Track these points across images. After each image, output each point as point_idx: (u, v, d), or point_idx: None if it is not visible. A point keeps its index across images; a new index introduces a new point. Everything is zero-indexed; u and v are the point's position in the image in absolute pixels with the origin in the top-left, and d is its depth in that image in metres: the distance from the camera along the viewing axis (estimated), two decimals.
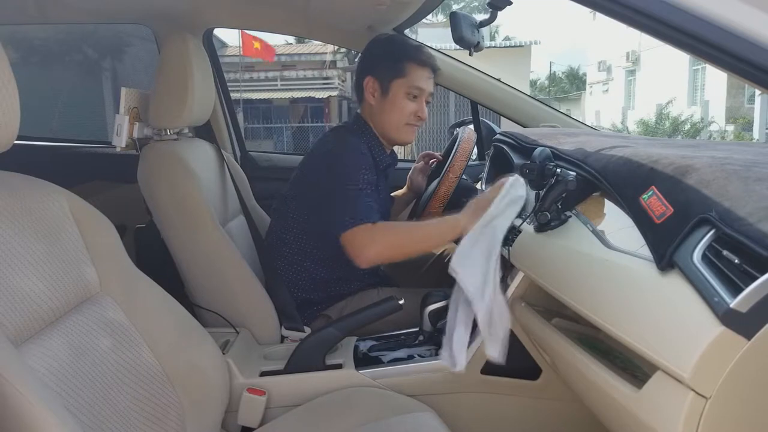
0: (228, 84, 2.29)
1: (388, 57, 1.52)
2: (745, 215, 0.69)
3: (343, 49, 11.47)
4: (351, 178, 1.38)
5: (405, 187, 1.88)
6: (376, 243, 1.30)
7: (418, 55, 1.52)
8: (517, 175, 1.23)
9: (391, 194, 1.88)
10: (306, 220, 1.51)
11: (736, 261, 0.67)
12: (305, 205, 1.50)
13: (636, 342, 0.76)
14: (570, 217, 1.07)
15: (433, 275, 1.86)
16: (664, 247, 0.76)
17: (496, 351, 1.09)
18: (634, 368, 0.87)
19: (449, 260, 1.85)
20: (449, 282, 1.76)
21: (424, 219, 1.51)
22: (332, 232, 1.34)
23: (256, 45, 8.56)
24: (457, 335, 1.15)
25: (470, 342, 1.28)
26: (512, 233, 1.25)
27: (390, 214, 1.71)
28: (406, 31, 2.00)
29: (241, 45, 8.64)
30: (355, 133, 1.53)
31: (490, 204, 1.20)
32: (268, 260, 1.55)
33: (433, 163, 1.82)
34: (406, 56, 1.50)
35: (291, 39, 13.41)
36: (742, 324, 0.64)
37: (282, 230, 1.55)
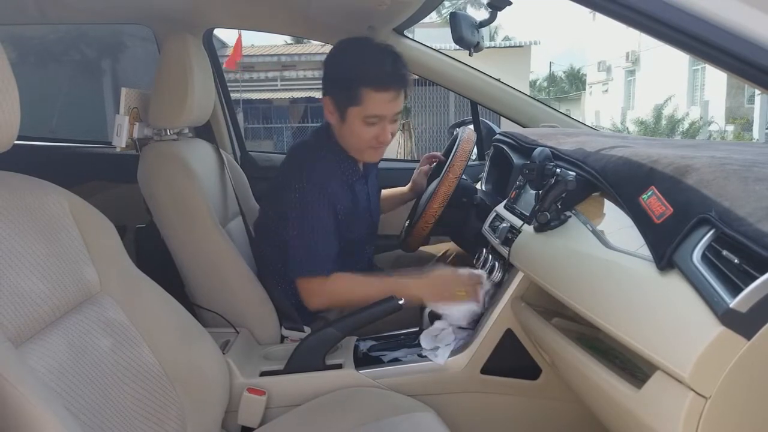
0: (228, 84, 2.29)
1: (341, 79, 1.38)
2: (745, 215, 0.69)
3: None
4: (312, 218, 1.37)
5: (407, 187, 1.87)
6: (324, 296, 1.39)
7: (375, 79, 1.33)
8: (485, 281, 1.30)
9: (389, 190, 1.87)
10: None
11: (736, 261, 0.67)
12: (281, 228, 1.46)
13: (636, 342, 0.76)
14: (570, 217, 1.08)
15: None
16: (664, 247, 0.76)
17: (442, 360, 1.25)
18: (633, 368, 0.87)
19: (451, 260, 1.86)
20: None
21: (424, 219, 1.51)
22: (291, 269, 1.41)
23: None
24: (445, 332, 1.27)
25: (470, 342, 1.28)
26: (512, 233, 1.25)
27: (378, 213, 1.70)
28: (406, 31, 2.00)
29: (231, 54, 8.64)
30: (322, 150, 1.47)
31: (451, 288, 1.30)
32: (262, 261, 1.55)
33: (435, 163, 1.81)
34: (361, 81, 1.33)
35: (291, 39, 13.41)
36: (741, 324, 0.64)
37: (268, 239, 1.54)
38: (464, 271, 1.33)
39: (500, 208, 1.41)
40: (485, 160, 1.86)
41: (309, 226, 1.38)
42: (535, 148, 1.18)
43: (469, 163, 1.54)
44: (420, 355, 1.32)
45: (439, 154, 1.82)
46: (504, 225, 1.31)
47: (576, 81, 25.15)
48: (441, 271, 1.38)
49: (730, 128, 13.31)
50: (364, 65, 1.35)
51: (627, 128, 14.50)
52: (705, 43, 0.73)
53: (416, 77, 1.88)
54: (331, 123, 1.45)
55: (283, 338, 1.47)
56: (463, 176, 1.54)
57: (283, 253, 1.45)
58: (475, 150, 1.73)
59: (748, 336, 0.64)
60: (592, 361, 0.90)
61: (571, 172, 1.04)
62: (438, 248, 1.90)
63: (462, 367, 1.26)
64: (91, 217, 1.03)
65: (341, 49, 1.44)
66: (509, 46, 15.52)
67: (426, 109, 12.02)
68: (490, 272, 1.32)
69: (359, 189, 1.54)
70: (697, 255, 0.72)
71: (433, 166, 1.82)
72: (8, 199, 0.89)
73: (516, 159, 1.50)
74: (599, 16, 0.81)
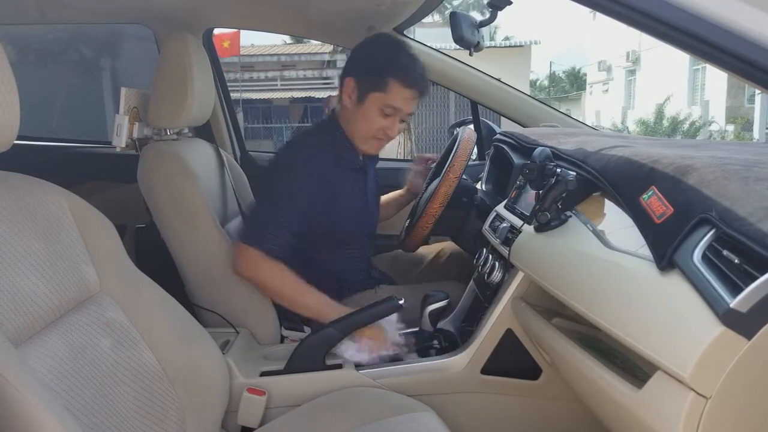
0: (228, 84, 2.29)
1: (373, 66, 1.43)
2: (746, 215, 0.69)
3: (342, 49, 11.48)
4: (284, 196, 1.38)
5: (404, 189, 1.87)
6: (253, 271, 1.37)
7: (406, 75, 1.41)
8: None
9: (387, 195, 1.87)
10: None
11: (737, 261, 0.67)
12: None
13: (636, 342, 0.76)
14: (570, 217, 1.07)
15: (430, 275, 1.86)
16: (664, 247, 0.76)
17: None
18: (634, 368, 0.87)
19: (447, 258, 1.86)
20: (448, 279, 1.77)
21: (424, 219, 1.51)
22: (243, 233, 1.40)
23: (225, 44, 8.52)
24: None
25: (469, 342, 1.28)
26: (512, 233, 1.25)
27: (377, 211, 1.69)
28: (405, 31, 2.00)
29: (228, 47, 8.60)
30: (324, 135, 1.50)
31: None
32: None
33: (431, 164, 1.81)
34: (392, 72, 1.40)
35: (290, 39, 13.41)
36: (742, 324, 0.64)
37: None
38: (391, 332, 1.33)
39: (500, 208, 1.41)
40: (485, 160, 1.86)
41: (275, 203, 1.38)
42: (536, 148, 1.18)
43: (470, 163, 1.54)
44: (420, 355, 1.32)
45: (432, 155, 1.82)
46: (504, 225, 1.31)
47: (576, 81, 25.16)
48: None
49: (731, 128, 13.31)
50: (400, 59, 1.42)
51: (627, 128, 14.50)
52: (705, 42, 0.73)
53: None
54: (345, 105, 1.47)
55: (283, 338, 1.47)
56: (464, 176, 1.53)
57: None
58: (476, 150, 1.73)
59: (749, 336, 0.64)
60: (592, 361, 0.90)
61: (571, 172, 1.04)
62: (435, 247, 1.91)
63: (462, 367, 1.26)
64: (91, 217, 1.03)
65: (378, 39, 1.52)
66: (509, 46, 15.52)
67: (426, 109, 12.01)
68: (490, 272, 1.32)
69: (356, 180, 1.54)
70: (697, 255, 0.71)
71: (429, 165, 1.81)
72: (8, 199, 0.89)
73: (516, 159, 1.50)
74: (599, 15, 0.81)
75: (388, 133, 1.46)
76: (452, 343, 1.36)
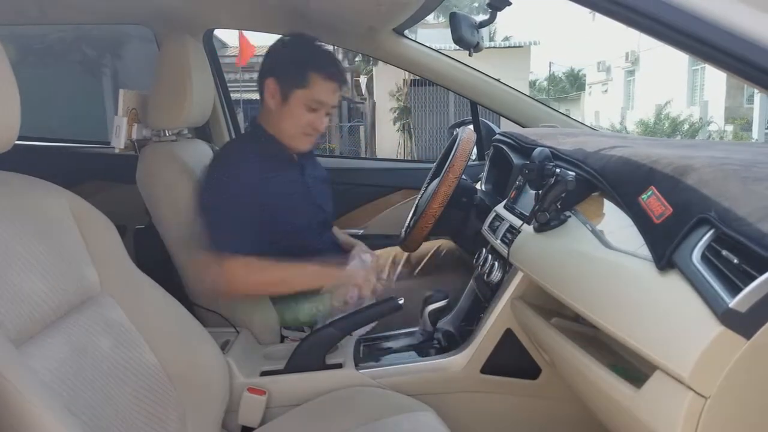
0: (228, 84, 2.29)
1: (292, 63, 1.44)
2: (745, 215, 0.69)
3: (344, 50, 11.47)
4: (223, 200, 1.37)
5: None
6: (222, 277, 1.33)
7: (326, 67, 1.43)
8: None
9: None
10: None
11: (736, 261, 0.67)
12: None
13: (635, 341, 0.76)
14: (569, 217, 1.08)
15: (429, 274, 1.86)
16: (664, 247, 0.76)
17: None
18: (633, 368, 0.87)
19: (444, 254, 1.86)
20: (445, 281, 1.77)
21: (424, 219, 1.51)
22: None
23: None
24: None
25: (469, 342, 1.28)
26: (512, 233, 1.25)
27: (328, 205, 1.66)
28: (406, 31, 2.00)
29: (240, 52, 8.59)
30: (246, 143, 1.50)
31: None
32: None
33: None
34: (312, 66, 1.42)
35: None
36: (741, 324, 0.64)
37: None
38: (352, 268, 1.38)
39: (500, 208, 1.41)
40: (485, 160, 1.86)
41: (219, 206, 1.37)
42: (535, 148, 1.18)
43: (469, 163, 1.54)
44: (420, 355, 1.32)
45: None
46: (504, 225, 1.31)
47: (575, 81, 25.16)
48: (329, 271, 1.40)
49: (730, 128, 13.32)
50: (317, 54, 1.46)
51: (625, 128, 14.51)
52: (704, 43, 0.73)
53: (416, 77, 1.88)
54: (269, 107, 1.47)
55: (283, 338, 1.47)
56: (463, 176, 1.54)
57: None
58: (475, 150, 1.73)
59: (748, 336, 0.64)
60: (591, 361, 0.90)
61: (570, 172, 1.04)
62: (432, 245, 1.91)
63: (462, 367, 1.26)
64: (91, 217, 1.03)
65: (293, 38, 1.51)
66: (509, 46, 15.52)
67: (426, 109, 12.01)
68: (490, 272, 1.32)
69: (293, 178, 1.53)
70: (696, 255, 0.72)
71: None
72: (8, 199, 0.89)
73: (516, 159, 1.50)
74: (599, 15, 0.81)
75: (316, 126, 1.47)
76: (452, 343, 1.36)
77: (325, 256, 1.51)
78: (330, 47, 1.48)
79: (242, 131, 2.42)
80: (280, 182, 1.47)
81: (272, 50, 1.50)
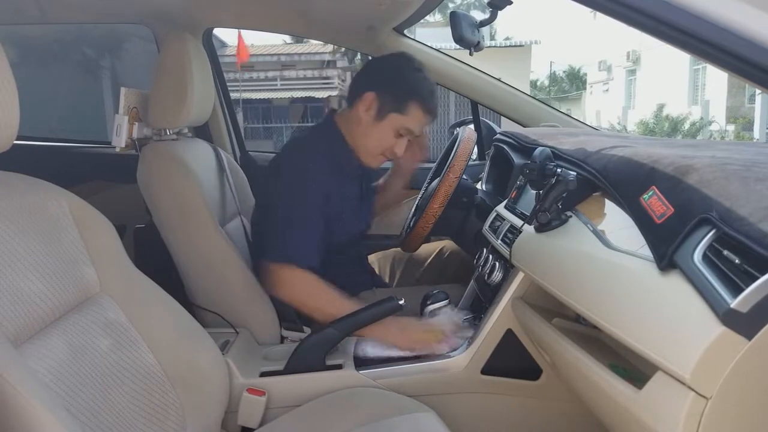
0: (228, 84, 2.29)
1: (397, 86, 1.43)
2: (746, 215, 0.69)
3: (342, 49, 11.47)
4: (299, 207, 1.37)
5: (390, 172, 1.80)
6: (290, 290, 1.37)
7: (427, 101, 1.44)
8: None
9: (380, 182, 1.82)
10: None
11: (737, 261, 0.67)
12: (268, 215, 1.46)
13: (636, 342, 0.76)
14: (570, 217, 1.07)
15: (430, 275, 1.86)
16: (665, 247, 0.76)
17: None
18: (634, 368, 0.87)
19: (447, 257, 1.86)
20: (446, 281, 1.77)
21: (424, 219, 1.51)
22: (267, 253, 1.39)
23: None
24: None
25: (471, 342, 1.28)
26: (513, 233, 1.25)
27: (370, 215, 1.68)
28: (406, 30, 2.00)
29: (237, 54, 8.62)
30: (322, 141, 1.48)
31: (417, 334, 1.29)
32: (259, 263, 1.54)
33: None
34: (416, 96, 1.42)
35: (290, 39, 13.42)
36: (742, 324, 0.64)
37: (258, 234, 1.54)
38: (437, 321, 1.33)
39: (501, 208, 1.41)
40: (485, 160, 1.86)
41: (295, 213, 1.38)
42: (536, 148, 1.17)
43: (470, 163, 1.54)
44: (420, 355, 1.32)
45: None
46: (504, 225, 1.31)
47: (576, 80, 25.14)
48: (407, 320, 1.33)
49: (731, 128, 13.30)
50: (424, 84, 1.45)
51: (625, 127, 14.50)
52: (705, 42, 0.73)
53: None
54: (358, 117, 1.44)
55: (282, 338, 1.47)
56: (464, 176, 1.53)
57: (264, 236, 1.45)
58: (476, 150, 1.73)
59: (749, 336, 0.64)
60: (592, 362, 0.89)
61: (571, 172, 1.04)
62: (435, 246, 1.90)
63: (462, 368, 1.26)
64: (90, 218, 1.02)
65: (401, 59, 1.50)
66: (510, 46, 15.52)
67: None
68: (491, 272, 1.32)
69: (352, 186, 1.54)
70: (698, 255, 0.71)
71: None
72: (8, 200, 0.89)
73: (516, 159, 1.50)
74: (600, 15, 0.81)
75: (396, 151, 1.47)
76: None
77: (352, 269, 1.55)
78: (432, 81, 1.49)
79: (242, 131, 2.42)
80: (343, 189, 1.47)
81: (377, 64, 1.52)
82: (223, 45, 11.50)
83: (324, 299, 1.34)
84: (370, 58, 1.83)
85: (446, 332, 1.30)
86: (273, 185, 1.45)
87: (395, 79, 1.45)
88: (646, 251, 0.80)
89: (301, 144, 1.53)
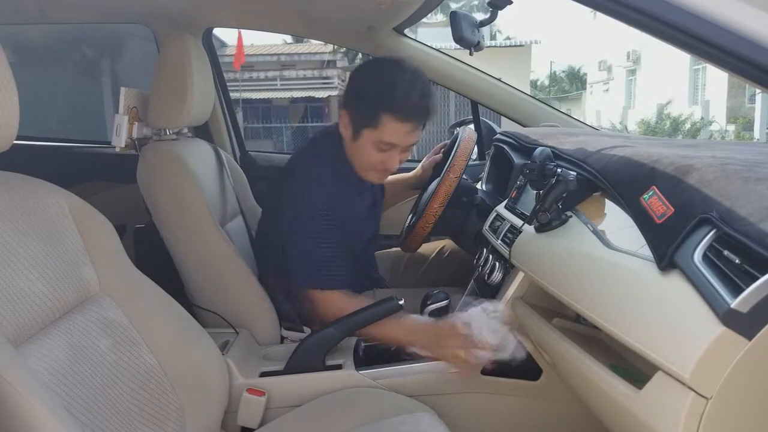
0: (227, 84, 2.29)
1: (364, 99, 1.33)
2: (746, 215, 0.69)
3: (342, 49, 11.47)
4: (313, 233, 1.34)
5: (413, 173, 1.83)
6: (324, 312, 1.34)
7: (400, 108, 1.27)
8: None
9: (397, 175, 1.80)
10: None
11: (737, 261, 0.67)
12: (282, 236, 1.43)
13: (636, 342, 0.76)
14: (570, 217, 1.07)
15: (430, 275, 1.86)
16: (665, 247, 0.76)
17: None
18: (634, 369, 0.87)
19: (447, 257, 1.86)
20: (445, 282, 1.76)
21: (424, 219, 1.51)
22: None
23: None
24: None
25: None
26: (513, 233, 1.25)
27: (379, 218, 1.68)
28: (406, 31, 2.00)
29: (235, 55, 8.60)
30: (328, 156, 1.42)
31: (449, 346, 1.16)
32: (262, 262, 1.54)
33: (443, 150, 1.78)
34: (385, 106, 1.28)
35: (290, 39, 13.42)
36: (742, 324, 0.63)
37: (269, 242, 1.53)
38: (477, 335, 1.16)
39: (501, 208, 1.41)
40: (485, 160, 1.86)
41: (311, 240, 1.35)
42: (536, 148, 1.18)
43: (470, 162, 1.54)
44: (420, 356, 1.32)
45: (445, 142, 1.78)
46: (504, 225, 1.31)
47: (576, 80, 25.12)
48: (448, 326, 1.20)
49: (731, 128, 13.30)
50: (392, 91, 1.28)
51: (626, 127, 14.50)
52: (705, 42, 0.73)
53: None
54: (343, 136, 1.40)
55: (282, 338, 1.47)
56: (464, 176, 1.53)
57: (284, 258, 1.42)
58: (476, 150, 1.73)
59: (749, 336, 0.64)
60: (592, 362, 0.89)
61: (571, 172, 1.04)
62: (435, 246, 1.90)
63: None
64: (90, 218, 1.02)
65: (372, 67, 1.42)
66: (509, 46, 15.52)
67: None
68: (491, 272, 1.32)
69: (364, 196, 1.53)
70: (698, 255, 0.71)
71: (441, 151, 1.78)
72: (8, 200, 0.89)
73: (516, 159, 1.50)
74: (600, 15, 0.81)
75: (388, 166, 1.38)
76: None
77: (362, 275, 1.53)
78: (414, 79, 1.31)
79: (242, 131, 2.42)
80: (349, 197, 1.45)
81: (352, 77, 1.41)
82: (223, 45, 11.49)
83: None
84: (370, 58, 1.83)
85: (486, 344, 1.14)
86: (286, 209, 1.41)
87: (361, 93, 1.35)
88: (646, 251, 0.80)
89: (310, 161, 1.47)
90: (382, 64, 1.41)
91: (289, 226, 1.39)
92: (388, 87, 1.29)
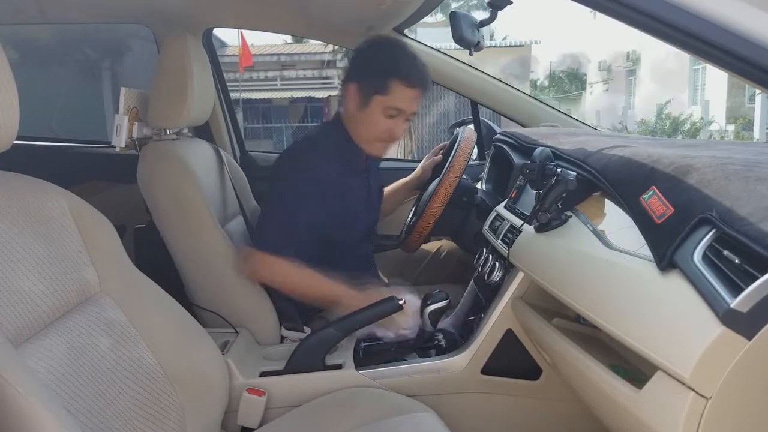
0: (228, 84, 2.29)
1: (374, 69, 1.43)
2: (746, 215, 0.69)
3: (342, 49, 11.48)
4: (294, 202, 1.39)
5: (412, 175, 1.86)
6: (267, 273, 1.40)
7: (408, 74, 1.41)
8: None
9: (397, 182, 1.86)
10: None
11: (737, 261, 0.67)
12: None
13: (636, 342, 0.76)
14: (570, 217, 1.07)
15: (428, 274, 1.86)
16: (665, 247, 0.76)
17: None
18: (634, 368, 0.87)
19: (444, 256, 1.86)
20: (443, 280, 1.77)
21: (424, 219, 1.51)
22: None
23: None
24: None
25: (469, 342, 1.28)
26: (512, 233, 1.25)
27: (377, 212, 1.70)
28: (406, 31, 2.00)
29: (241, 52, 8.60)
30: (328, 139, 1.51)
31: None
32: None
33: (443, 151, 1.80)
34: (394, 73, 1.40)
35: (290, 39, 13.41)
36: (742, 324, 0.64)
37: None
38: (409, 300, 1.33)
39: (500, 208, 1.41)
40: (485, 160, 1.86)
41: (283, 209, 1.40)
42: (536, 148, 1.18)
43: (470, 162, 1.54)
44: (420, 356, 1.32)
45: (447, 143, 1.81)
46: (504, 225, 1.31)
47: (576, 80, 25.11)
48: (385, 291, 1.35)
49: (731, 128, 13.30)
50: (399, 60, 1.42)
51: (626, 127, 14.49)
52: (705, 42, 0.73)
53: None
54: (349, 111, 1.46)
55: (282, 338, 1.47)
56: (464, 176, 1.53)
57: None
58: (476, 149, 1.73)
59: (749, 336, 0.64)
60: (592, 362, 0.89)
61: (571, 172, 1.04)
62: (432, 246, 1.90)
63: (462, 368, 1.26)
64: (90, 218, 1.02)
65: (376, 43, 1.51)
66: (509, 46, 15.52)
67: (426, 109, 12.00)
68: (490, 272, 1.32)
69: (359, 183, 1.54)
70: (698, 255, 0.71)
71: (441, 153, 1.80)
72: (8, 200, 0.89)
73: (516, 159, 1.50)
74: (600, 15, 0.81)
75: (394, 134, 1.46)
76: (452, 344, 1.35)
77: (359, 266, 1.55)
78: (415, 52, 1.47)
79: (242, 131, 2.42)
80: (349, 186, 1.48)
81: (357, 54, 1.51)
82: (223, 45, 11.49)
83: (303, 277, 1.38)
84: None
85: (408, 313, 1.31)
86: (271, 184, 1.47)
87: (369, 63, 1.45)
88: (646, 251, 0.80)
89: (304, 144, 1.54)
90: (387, 40, 1.55)
91: (271, 196, 1.45)
92: (396, 57, 1.43)
